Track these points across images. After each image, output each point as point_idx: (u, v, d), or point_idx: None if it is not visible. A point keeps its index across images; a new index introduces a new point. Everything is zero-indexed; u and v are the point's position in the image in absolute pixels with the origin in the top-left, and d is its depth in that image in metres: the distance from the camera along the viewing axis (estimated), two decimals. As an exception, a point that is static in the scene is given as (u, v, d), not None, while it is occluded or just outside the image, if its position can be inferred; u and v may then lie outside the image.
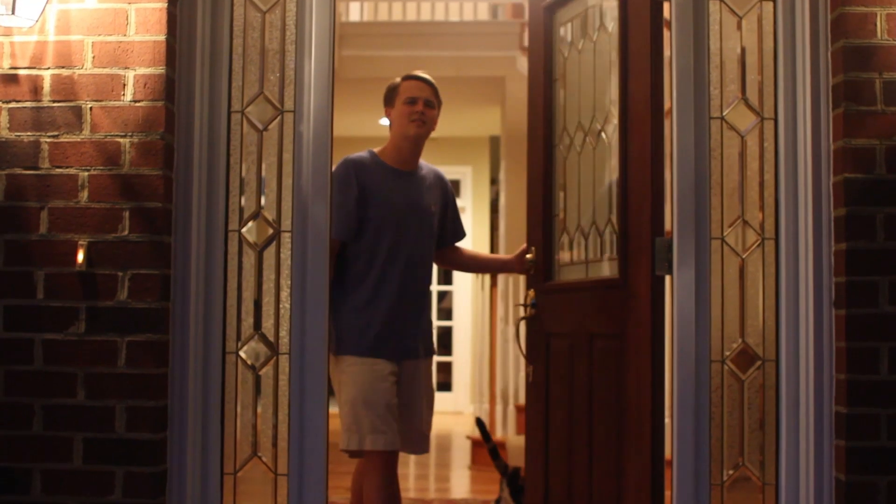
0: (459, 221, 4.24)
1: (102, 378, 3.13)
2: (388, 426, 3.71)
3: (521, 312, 4.07)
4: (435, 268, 4.37)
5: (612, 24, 3.76)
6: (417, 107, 3.92)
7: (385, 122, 4.08)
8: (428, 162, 4.19)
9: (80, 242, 3.15)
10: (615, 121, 3.70)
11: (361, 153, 3.97)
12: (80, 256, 3.14)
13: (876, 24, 3.16)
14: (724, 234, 3.35)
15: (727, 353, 3.33)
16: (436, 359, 4.17)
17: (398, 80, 4.03)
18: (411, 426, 3.93)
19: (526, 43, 7.07)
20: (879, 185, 3.13)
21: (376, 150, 4.01)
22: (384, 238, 3.86)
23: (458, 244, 4.28)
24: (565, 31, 4.10)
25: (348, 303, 3.85)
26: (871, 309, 3.11)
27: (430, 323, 4.08)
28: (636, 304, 3.51)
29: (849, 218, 3.14)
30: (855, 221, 3.13)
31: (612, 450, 3.60)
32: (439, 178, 4.15)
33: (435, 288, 11.31)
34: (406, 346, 3.90)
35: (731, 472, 3.32)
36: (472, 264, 4.67)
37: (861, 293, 3.12)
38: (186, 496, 3.27)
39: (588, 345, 3.77)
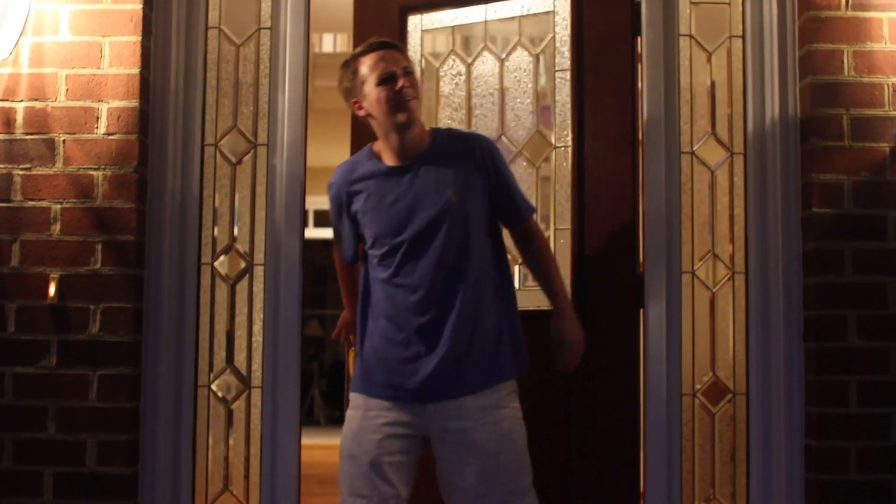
0: (513, 196, 3.02)
1: (73, 412, 3.12)
2: (374, 489, 2.85)
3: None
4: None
5: (544, 48, 3.57)
6: (400, 83, 2.86)
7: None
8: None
9: (52, 275, 3.14)
10: (550, 149, 3.53)
11: (357, 154, 3.05)
12: (52, 289, 3.13)
13: (843, 62, 3.20)
14: (695, 267, 3.37)
15: (698, 387, 3.35)
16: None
17: (350, 61, 2.96)
18: (458, 489, 2.89)
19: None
20: (847, 220, 3.16)
21: (376, 144, 3.01)
22: (388, 253, 2.93)
23: (528, 228, 3.06)
24: (433, 43, 3.67)
25: (366, 330, 2.99)
26: (840, 343, 3.14)
27: (491, 343, 2.91)
28: (594, 336, 3.41)
29: (817, 252, 3.17)
30: (823, 256, 3.16)
31: (554, 483, 3.39)
32: (466, 149, 2.98)
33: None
34: (431, 383, 2.86)
35: (702, 504, 3.34)
36: (534, 270, 3.12)
37: (830, 327, 3.15)
38: (157, 531, 3.25)
39: None
